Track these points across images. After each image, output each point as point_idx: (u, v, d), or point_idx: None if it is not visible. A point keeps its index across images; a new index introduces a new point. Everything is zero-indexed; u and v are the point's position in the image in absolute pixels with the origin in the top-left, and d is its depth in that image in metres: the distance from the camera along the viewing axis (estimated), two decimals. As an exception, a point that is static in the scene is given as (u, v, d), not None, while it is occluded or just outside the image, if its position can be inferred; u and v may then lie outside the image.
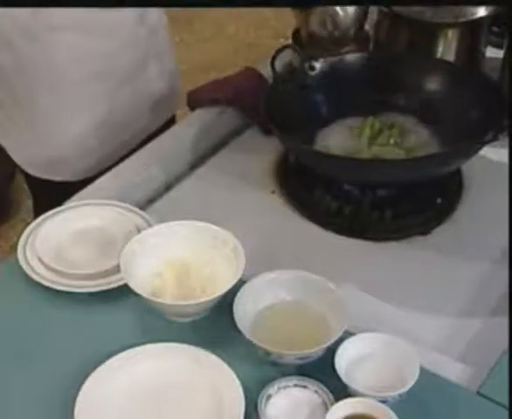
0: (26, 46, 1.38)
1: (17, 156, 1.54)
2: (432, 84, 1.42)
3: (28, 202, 2.75)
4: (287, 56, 1.51)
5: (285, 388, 0.98)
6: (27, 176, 1.56)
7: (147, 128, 1.53)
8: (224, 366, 1.00)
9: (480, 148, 1.27)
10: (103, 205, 1.26)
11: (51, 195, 1.34)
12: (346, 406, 0.93)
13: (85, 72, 1.42)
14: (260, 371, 1.02)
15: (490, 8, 1.51)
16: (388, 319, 1.11)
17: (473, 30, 1.54)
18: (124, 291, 1.09)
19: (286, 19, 1.64)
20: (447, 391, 1.00)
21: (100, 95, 1.45)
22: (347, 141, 1.37)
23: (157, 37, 1.53)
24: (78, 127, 1.46)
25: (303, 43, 1.54)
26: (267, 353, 1.01)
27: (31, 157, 1.52)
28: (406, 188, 1.31)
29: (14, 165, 1.58)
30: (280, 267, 1.11)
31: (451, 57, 1.52)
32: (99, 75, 1.43)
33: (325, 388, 0.97)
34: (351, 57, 1.46)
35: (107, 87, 1.45)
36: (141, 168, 1.38)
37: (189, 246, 1.14)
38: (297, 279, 1.09)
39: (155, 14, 1.51)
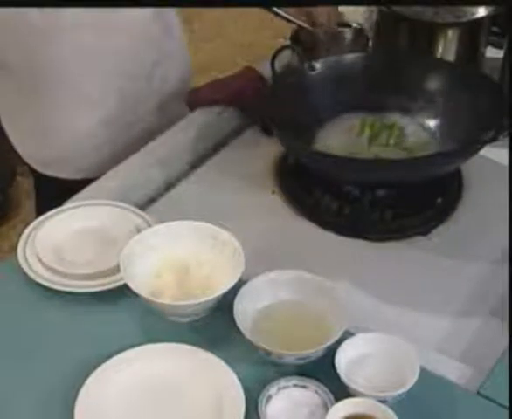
0: (35, 45, 1.38)
1: (25, 153, 1.55)
2: (432, 84, 1.42)
3: (28, 203, 2.75)
4: (286, 56, 1.51)
5: (285, 388, 0.98)
6: (33, 173, 1.56)
7: (156, 128, 1.51)
8: (225, 366, 1.00)
9: (479, 148, 1.27)
10: (103, 205, 1.26)
11: (57, 193, 1.33)
12: (346, 406, 0.93)
13: (94, 70, 1.42)
14: (260, 371, 1.02)
15: (490, 8, 1.51)
16: (388, 319, 1.11)
17: (473, 30, 1.54)
18: (124, 292, 1.09)
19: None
20: (447, 391, 1.00)
21: (110, 93, 1.45)
22: (347, 141, 1.37)
23: (171, 36, 1.52)
24: (86, 124, 1.46)
25: (303, 43, 1.54)
26: (267, 354, 1.01)
27: (39, 154, 1.52)
28: (406, 189, 1.31)
29: (14, 166, 1.58)
30: (279, 267, 1.10)
31: (451, 57, 1.52)
32: (109, 73, 1.43)
33: (325, 388, 0.97)
34: (351, 57, 1.46)
35: (118, 85, 1.45)
36: (141, 167, 1.38)
37: (189, 246, 1.14)
38: (297, 279, 1.09)
39: (169, 12, 1.51)
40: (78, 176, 1.47)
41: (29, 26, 1.37)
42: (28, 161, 1.55)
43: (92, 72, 1.42)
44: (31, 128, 1.50)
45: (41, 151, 1.51)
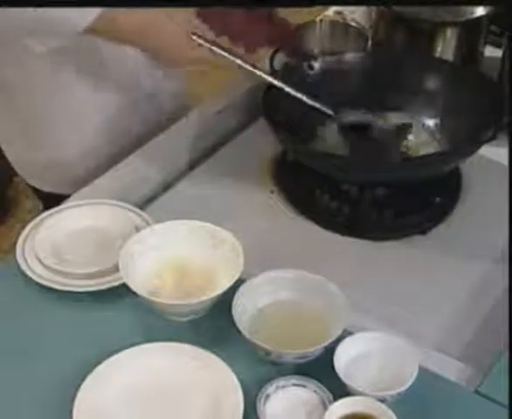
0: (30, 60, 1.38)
1: (20, 167, 1.54)
2: (431, 83, 1.41)
3: (27, 203, 2.75)
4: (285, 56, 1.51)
5: (284, 387, 0.98)
6: (39, 193, 1.56)
7: (155, 130, 1.50)
8: (223, 365, 1.00)
9: (478, 147, 1.27)
10: (102, 205, 1.26)
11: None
12: (345, 405, 0.93)
13: (85, 79, 1.41)
14: (259, 370, 1.02)
15: (489, 7, 1.51)
16: (387, 319, 1.11)
17: (472, 29, 1.54)
18: (123, 291, 1.09)
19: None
20: (446, 390, 1.00)
21: (103, 100, 1.44)
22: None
23: None
24: (79, 135, 1.45)
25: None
26: (266, 353, 1.01)
27: (33, 169, 1.52)
28: (405, 188, 1.31)
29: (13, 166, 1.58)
30: (278, 266, 1.10)
31: (450, 56, 1.52)
32: (102, 80, 1.43)
33: (324, 388, 0.97)
34: (350, 56, 1.46)
35: (110, 91, 1.45)
36: (140, 167, 1.38)
37: (188, 246, 1.14)
38: (296, 279, 1.09)
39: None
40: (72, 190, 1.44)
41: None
42: (24, 176, 1.55)
43: (83, 81, 1.42)
44: (24, 142, 1.49)
45: (35, 166, 1.51)
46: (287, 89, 1.32)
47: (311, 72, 1.42)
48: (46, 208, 1.43)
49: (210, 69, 1.35)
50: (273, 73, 1.41)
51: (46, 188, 1.53)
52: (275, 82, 1.32)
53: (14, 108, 1.46)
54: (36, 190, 1.56)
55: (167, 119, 1.50)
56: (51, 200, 1.44)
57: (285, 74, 1.43)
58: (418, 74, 1.42)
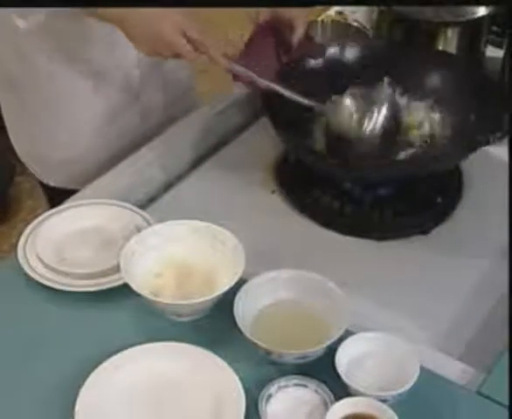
0: (33, 55, 1.38)
1: (26, 160, 1.54)
2: (432, 83, 1.42)
3: (28, 202, 2.75)
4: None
5: (285, 387, 0.98)
6: (44, 186, 1.56)
7: (159, 130, 1.51)
8: (225, 365, 1.00)
9: (479, 147, 1.27)
10: (103, 205, 1.26)
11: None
12: (346, 405, 0.93)
13: (93, 74, 1.42)
14: (261, 370, 1.02)
15: (490, 7, 1.51)
16: (388, 319, 1.11)
17: (473, 29, 1.54)
18: (124, 291, 1.09)
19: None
20: (447, 390, 1.00)
21: (105, 99, 1.45)
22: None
23: None
24: (81, 133, 1.45)
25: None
26: (268, 353, 1.01)
27: (44, 164, 1.52)
28: (407, 188, 1.31)
29: (14, 165, 1.58)
30: (280, 266, 1.10)
31: (451, 56, 1.52)
32: (104, 78, 1.43)
33: (325, 388, 0.98)
34: (351, 56, 1.45)
35: (111, 90, 1.44)
36: (142, 167, 1.38)
37: (189, 245, 1.15)
38: (297, 279, 1.09)
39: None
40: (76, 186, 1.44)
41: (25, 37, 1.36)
42: (33, 170, 1.55)
43: (90, 79, 1.42)
44: (34, 136, 1.50)
45: (45, 160, 1.51)
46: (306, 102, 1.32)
47: (312, 70, 1.41)
48: (51, 202, 1.43)
49: (210, 68, 1.35)
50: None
51: (51, 183, 1.53)
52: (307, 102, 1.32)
53: (16, 97, 1.46)
54: (41, 184, 1.57)
55: (169, 119, 1.50)
56: (57, 194, 1.45)
57: (286, 73, 1.44)
58: (419, 74, 1.42)
